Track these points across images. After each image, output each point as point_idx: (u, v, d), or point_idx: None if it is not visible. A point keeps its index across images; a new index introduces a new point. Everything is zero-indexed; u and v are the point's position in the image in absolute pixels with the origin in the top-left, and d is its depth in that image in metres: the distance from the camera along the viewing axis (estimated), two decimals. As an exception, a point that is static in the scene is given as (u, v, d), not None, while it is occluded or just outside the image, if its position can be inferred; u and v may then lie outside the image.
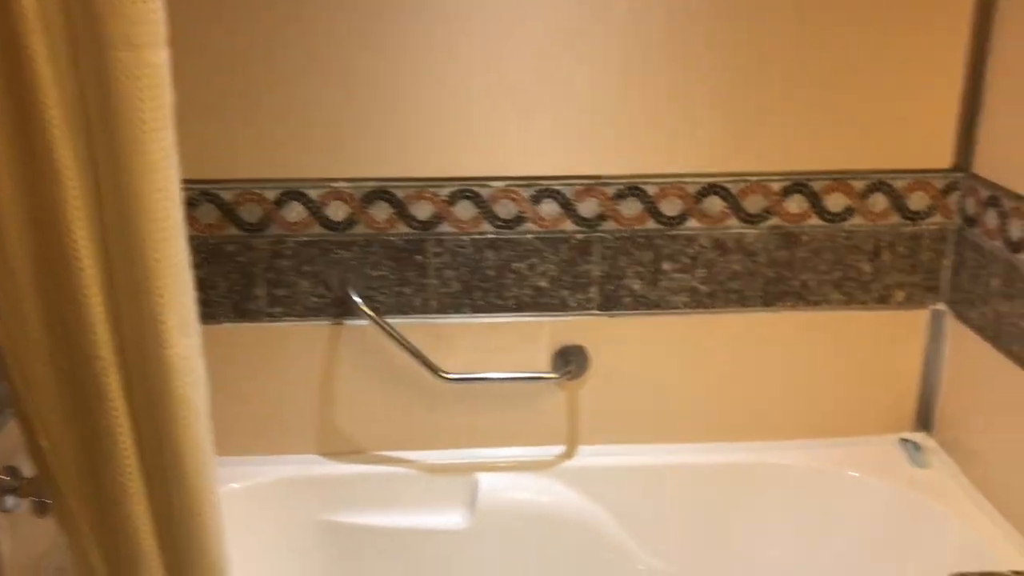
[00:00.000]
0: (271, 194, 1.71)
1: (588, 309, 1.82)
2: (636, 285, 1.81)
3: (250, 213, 1.72)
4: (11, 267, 1.01)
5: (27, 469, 1.31)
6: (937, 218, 1.80)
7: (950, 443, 1.85)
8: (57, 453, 1.11)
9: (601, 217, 1.76)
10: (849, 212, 1.79)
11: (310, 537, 1.83)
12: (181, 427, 1.08)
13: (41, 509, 1.35)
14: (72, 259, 1.01)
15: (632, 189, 1.74)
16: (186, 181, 1.02)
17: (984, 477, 1.73)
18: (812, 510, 1.86)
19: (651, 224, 1.77)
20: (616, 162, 1.73)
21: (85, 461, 1.11)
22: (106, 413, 1.07)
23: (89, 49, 0.93)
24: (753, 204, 1.77)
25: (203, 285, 1.73)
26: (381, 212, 1.73)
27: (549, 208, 1.75)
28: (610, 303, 1.82)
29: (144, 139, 0.96)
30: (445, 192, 1.73)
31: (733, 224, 1.78)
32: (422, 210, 1.74)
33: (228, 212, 1.71)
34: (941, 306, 1.85)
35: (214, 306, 1.76)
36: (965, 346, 1.77)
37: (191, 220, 1.68)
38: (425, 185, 1.72)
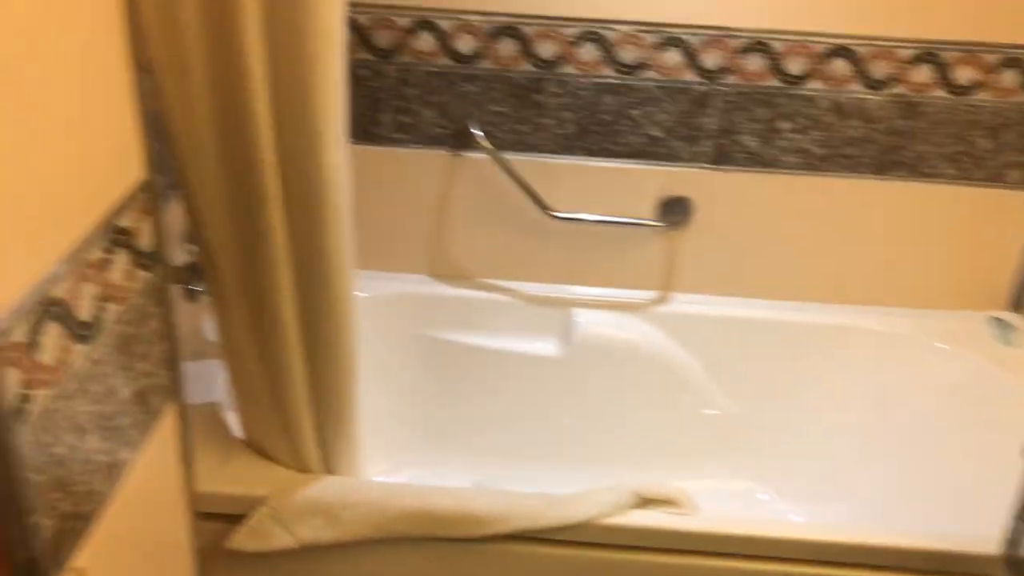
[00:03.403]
0: (404, 22, 1.76)
1: (699, 162, 1.86)
2: (750, 142, 1.83)
3: (383, 39, 1.78)
4: (186, 65, 1.10)
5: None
6: (1068, 99, 1.77)
7: (1042, 325, 1.88)
8: (219, 246, 1.23)
9: (724, 70, 1.77)
10: (977, 86, 1.76)
11: (414, 349, 1.97)
12: (331, 231, 1.19)
13: (190, 296, 1.49)
14: (242, 65, 1.09)
15: (759, 44, 1.74)
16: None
17: (1071, 360, 1.76)
18: (892, 376, 1.92)
19: (773, 81, 1.77)
20: (746, 14, 1.72)
21: (242, 255, 1.23)
22: (265, 213, 1.18)
23: None
24: (879, 69, 1.75)
25: (333, 105, 1.81)
26: (507, 48, 1.77)
27: (672, 56, 1.76)
28: (722, 158, 1.85)
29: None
30: (571, 32, 1.75)
31: (856, 88, 1.77)
32: (546, 49, 1.77)
33: (362, 36, 1.77)
34: (1056, 189, 1.84)
35: (342, 127, 1.84)
36: (1074, 232, 1.77)
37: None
38: (552, 24, 1.75)
